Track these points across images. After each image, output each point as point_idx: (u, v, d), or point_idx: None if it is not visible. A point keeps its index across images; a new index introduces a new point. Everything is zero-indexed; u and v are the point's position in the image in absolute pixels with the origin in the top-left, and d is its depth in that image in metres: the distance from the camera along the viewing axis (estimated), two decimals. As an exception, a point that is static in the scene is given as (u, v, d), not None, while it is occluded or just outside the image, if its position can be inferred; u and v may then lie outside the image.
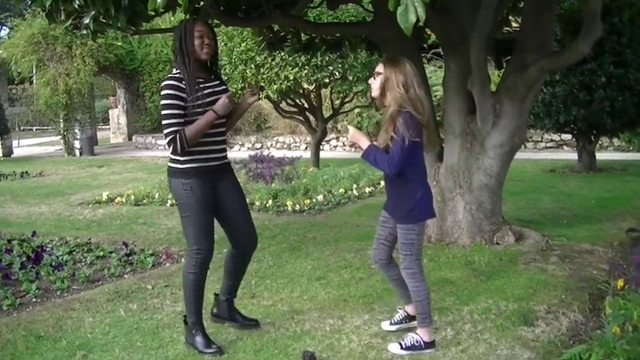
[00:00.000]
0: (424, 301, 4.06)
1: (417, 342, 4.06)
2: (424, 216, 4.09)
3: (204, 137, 4.09)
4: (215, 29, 4.45)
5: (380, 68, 4.01)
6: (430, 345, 4.08)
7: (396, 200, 4.10)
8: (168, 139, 4.00)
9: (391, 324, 4.46)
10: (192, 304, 4.25)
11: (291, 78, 12.20)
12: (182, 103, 4.01)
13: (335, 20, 11.40)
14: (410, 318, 4.39)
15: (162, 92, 4.03)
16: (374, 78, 4.03)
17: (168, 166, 4.19)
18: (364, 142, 4.00)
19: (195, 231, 4.13)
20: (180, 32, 4.06)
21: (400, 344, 4.08)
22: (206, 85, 4.13)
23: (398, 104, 3.88)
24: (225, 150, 4.32)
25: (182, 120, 4.01)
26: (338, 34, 8.23)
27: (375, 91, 4.03)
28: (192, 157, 4.09)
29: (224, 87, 4.29)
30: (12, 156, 20.95)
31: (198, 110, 4.03)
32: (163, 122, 4.03)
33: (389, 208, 4.19)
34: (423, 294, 4.06)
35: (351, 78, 12.52)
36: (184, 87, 4.02)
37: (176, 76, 4.06)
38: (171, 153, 4.08)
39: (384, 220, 4.26)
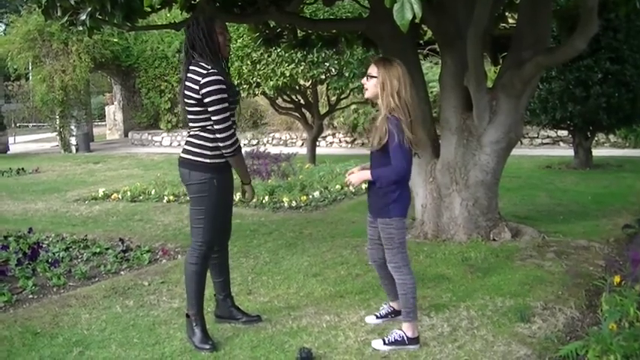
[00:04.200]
0: (408, 294, 4.07)
1: (400, 337, 4.06)
2: (399, 212, 4.11)
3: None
4: None
5: (374, 71, 4.04)
6: (414, 341, 4.06)
7: (375, 195, 4.17)
8: (230, 136, 4.08)
9: (377, 318, 4.52)
10: (193, 295, 4.27)
11: (288, 74, 12.19)
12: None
13: (331, 16, 11.40)
14: (396, 313, 4.45)
15: (214, 87, 3.99)
16: (367, 79, 4.08)
17: (189, 159, 4.17)
18: (367, 175, 4.10)
19: (207, 225, 4.17)
20: (203, 30, 4.07)
21: (383, 340, 4.08)
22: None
23: (389, 110, 3.95)
24: None
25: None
26: (334, 31, 8.22)
27: (368, 93, 4.11)
28: (219, 152, 4.12)
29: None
30: (8, 152, 20.91)
31: (232, 107, 4.10)
32: (221, 117, 4.03)
33: (369, 206, 4.28)
34: (407, 287, 4.08)
35: (347, 74, 12.50)
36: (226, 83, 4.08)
37: (217, 71, 4.04)
38: (227, 147, 4.09)
39: (370, 220, 4.35)
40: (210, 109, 4.01)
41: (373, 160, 4.15)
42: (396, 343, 4.04)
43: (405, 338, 4.05)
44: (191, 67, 4.10)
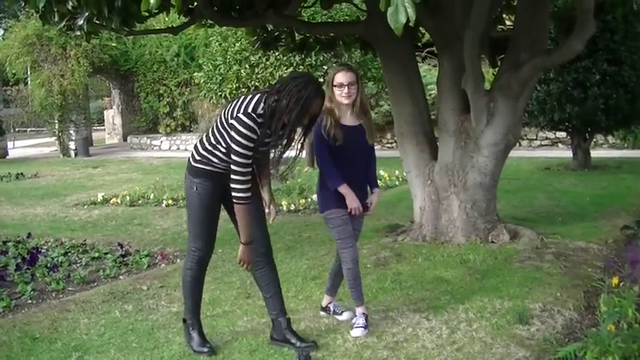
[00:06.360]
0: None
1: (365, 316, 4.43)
2: None
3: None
4: (209, 29, 4.43)
5: (353, 78, 4.29)
6: None
7: (362, 191, 4.48)
8: (243, 176, 3.90)
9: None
10: (189, 300, 4.27)
11: (286, 78, 12.19)
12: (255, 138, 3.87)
13: (329, 20, 11.42)
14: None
15: (243, 129, 3.81)
16: (350, 87, 4.26)
17: (188, 160, 4.17)
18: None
19: (195, 230, 4.17)
20: (298, 100, 3.83)
21: (360, 327, 4.31)
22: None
23: (364, 111, 4.43)
24: None
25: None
26: (332, 34, 8.23)
27: (352, 99, 4.30)
28: (205, 160, 4.03)
29: None
30: (7, 157, 20.92)
31: (256, 156, 3.98)
32: (239, 160, 3.86)
33: (363, 199, 4.45)
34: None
35: (345, 77, 12.50)
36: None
37: (258, 119, 3.85)
38: (235, 191, 3.91)
39: (347, 216, 4.40)
40: (231, 145, 3.85)
41: (361, 156, 4.46)
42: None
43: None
44: (253, 94, 3.97)
